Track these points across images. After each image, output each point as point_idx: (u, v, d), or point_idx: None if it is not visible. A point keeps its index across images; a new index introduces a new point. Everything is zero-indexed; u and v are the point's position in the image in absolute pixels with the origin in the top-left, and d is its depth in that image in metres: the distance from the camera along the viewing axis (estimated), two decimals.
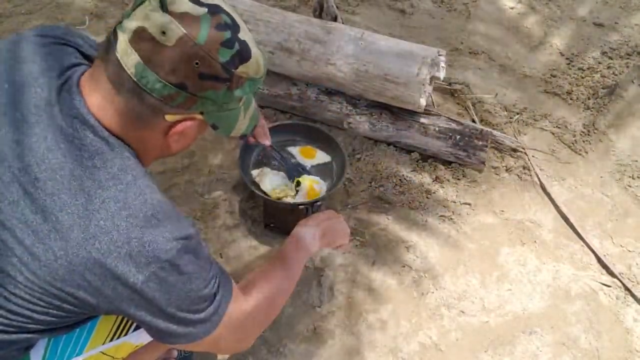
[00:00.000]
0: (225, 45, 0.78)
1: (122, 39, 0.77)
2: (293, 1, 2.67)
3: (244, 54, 0.81)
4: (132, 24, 0.76)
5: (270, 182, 1.54)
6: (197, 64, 0.76)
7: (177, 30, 0.75)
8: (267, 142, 1.48)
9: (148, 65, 0.76)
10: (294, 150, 1.66)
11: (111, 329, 0.99)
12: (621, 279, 1.63)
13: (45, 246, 0.75)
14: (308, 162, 1.63)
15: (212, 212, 1.72)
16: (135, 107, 0.79)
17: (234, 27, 0.80)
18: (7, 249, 0.77)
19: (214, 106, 0.83)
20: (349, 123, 1.94)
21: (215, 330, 0.88)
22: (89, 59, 0.93)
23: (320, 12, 1.94)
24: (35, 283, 0.77)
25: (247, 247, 1.64)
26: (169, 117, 0.82)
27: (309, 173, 1.59)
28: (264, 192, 1.51)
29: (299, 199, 1.53)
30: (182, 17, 0.75)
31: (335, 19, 1.93)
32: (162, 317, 0.83)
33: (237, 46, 0.80)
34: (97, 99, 0.80)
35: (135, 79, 0.76)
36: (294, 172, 1.57)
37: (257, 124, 1.00)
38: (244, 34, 0.82)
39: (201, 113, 0.83)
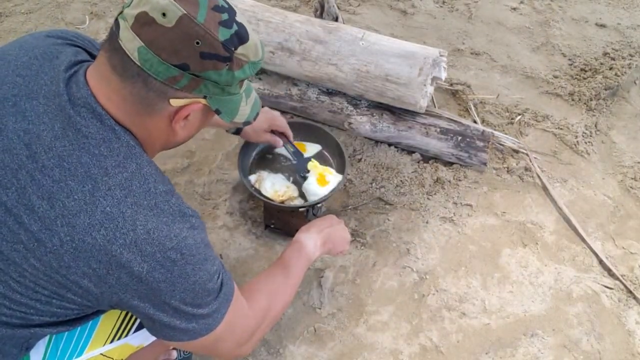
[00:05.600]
0: (223, 25, 0.80)
1: (124, 26, 0.78)
2: (294, 1, 2.67)
3: (242, 35, 0.82)
4: (133, 11, 0.78)
5: (272, 185, 1.52)
6: (197, 43, 0.77)
7: (177, 10, 0.76)
8: (290, 134, 1.54)
9: (150, 48, 0.77)
10: (283, 149, 1.65)
11: (112, 330, 0.99)
12: (623, 281, 1.62)
13: (52, 232, 0.76)
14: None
15: (212, 213, 1.71)
16: (141, 92, 0.80)
17: (231, 10, 0.82)
18: (13, 236, 0.78)
19: (217, 88, 0.84)
20: (350, 124, 1.93)
21: (216, 328, 0.88)
22: (95, 58, 0.95)
23: (321, 12, 1.94)
24: (40, 270, 0.78)
25: (248, 247, 1.63)
26: (174, 102, 0.82)
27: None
28: (266, 197, 1.49)
29: (310, 188, 1.53)
30: None
31: (336, 19, 1.93)
32: (165, 310, 0.83)
33: (235, 26, 0.81)
34: (103, 88, 0.81)
35: (138, 64, 0.77)
36: (303, 167, 1.55)
37: (259, 112, 1.02)
38: (240, 18, 0.83)
39: (205, 97, 0.84)
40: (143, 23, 0.77)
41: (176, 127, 0.86)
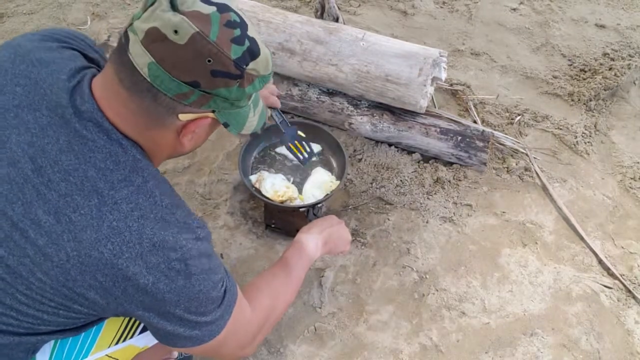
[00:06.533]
0: (236, 42, 0.78)
1: (134, 40, 0.77)
2: (295, 2, 2.67)
3: (254, 51, 0.81)
4: (143, 25, 0.76)
5: (272, 185, 1.53)
6: (209, 61, 0.76)
7: (189, 28, 0.74)
8: (278, 104, 1.44)
9: (161, 65, 0.75)
10: (283, 149, 1.65)
11: (117, 332, 1.00)
12: (622, 281, 1.62)
13: (58, 247, 0.76)
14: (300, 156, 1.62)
15: (213, 213, 1.72)
16: (149, 107, 0.79)
17: (243, 25, 0.80)
18: (20, 250, 0.78)
19: (226, 103, 0.83)
20: (350, 124, 1.94)
21: (220, 334, 0.88)
22: (93, 61, 0.94)
23: (321, 12, 1.94)
24: (47, 283, 0.78)
25: (248, 247, 1.64)
26: (183, 117, 0.82)
27: (306, 143, 1.51)
28: (267, 197, 1.50)
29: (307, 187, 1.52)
30: (193, 15, 0.75)
31: (336, 20, 1.93)
32: (169, 319, 0.83)
33: (247, 43, 0.80)
34: (111, 101, 0.81)
35: (149, 79, 0.76)
36: (292, 138, 1.48)
37: (266, 122, 1.01)
38: (252, 32, 0.82)
39: (213, 111, 0.84)
40: (154, 39, 0.75)
41: (184, 140, 0.86)
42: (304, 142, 1.50)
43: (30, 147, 0.79)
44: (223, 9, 0.79)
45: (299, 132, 1.50)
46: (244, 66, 0.79)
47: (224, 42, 0.77)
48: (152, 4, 0.77)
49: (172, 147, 0.88)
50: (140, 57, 0.76)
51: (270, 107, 1.44)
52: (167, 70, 0.76)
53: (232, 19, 0.79)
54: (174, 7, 0.76)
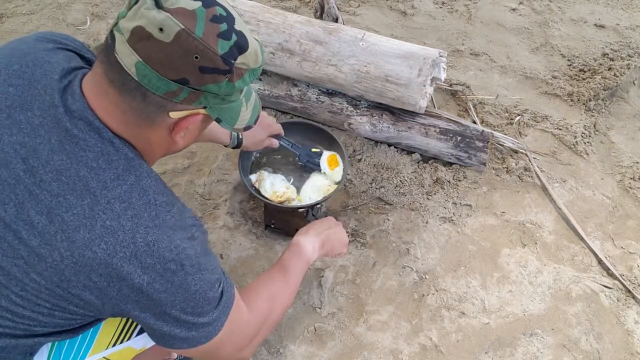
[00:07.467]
0: (222, 37, 0.77)
1: (120, 40, 0.76)
2: (294, 2, 2.67)
3: (242, 45, 0.80)
4: (128, 24, 0.75)
5: (271, 185, 1.53)
6: (196, 57, 0.76)
7: (175, 25, 0.74)
8: (281, 131, 1.53)
9: (148, 64, 0.75)
10: (325, 154, 1.62)
11: (114, 334, 1.00)
12: (622, 281, 1.62)
13: (52, 247, 0.76)
14: (328, 171, 1.60)
15: (212, 213, 1.72)
16: (139, 106, 0.79)
17: (230, 19, 0.80)
18: (13, 251, 0.78)
19: (217, 99, 0.83)
20: (350, 124, 1.94)
21: (217, 336, 0.88)
22: (89, 62, 0.94)
23: (321, 13, 1.94)
24: (41, 284, 0.78)
25: (248, 248, 1.64)
26: (173, 114, 0.82)
27: (318, 165, 1.60)
28: (266, 197, 1.50)
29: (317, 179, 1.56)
30: (178, 12, 0.75)
31: (336, 20, 1.93)
32: (165, 319, 0.83)
33: (234, 37, 0.79)
34: (101, 100, 0.80)
35: (137, 79, 0.76)
36: (306, 157, 1.60)
37: (259, 114, 1.00)
38: (239, 25, 0.81)
39: (204, 107, 0.83)
40: (140, 38, 0.74)
41: (176, 138, 0.86)
42: (315, 157, 1.61)
43: (22, 148, 0.79)
44: (209, 3, 0.78)
45: (313, 149, 1.62)
46: (232, 61, 0.79)
47: (210, 38, 0.76)
48: (136, 2, 0.76)
49: (165, 145, 0.87)
50: (127, 56, 0.75)
51: (275, 137, 1.53)
52: (155, 69, 0.75)
53: (218, 13, 0.78)
54: (158, 4, 0.75)
